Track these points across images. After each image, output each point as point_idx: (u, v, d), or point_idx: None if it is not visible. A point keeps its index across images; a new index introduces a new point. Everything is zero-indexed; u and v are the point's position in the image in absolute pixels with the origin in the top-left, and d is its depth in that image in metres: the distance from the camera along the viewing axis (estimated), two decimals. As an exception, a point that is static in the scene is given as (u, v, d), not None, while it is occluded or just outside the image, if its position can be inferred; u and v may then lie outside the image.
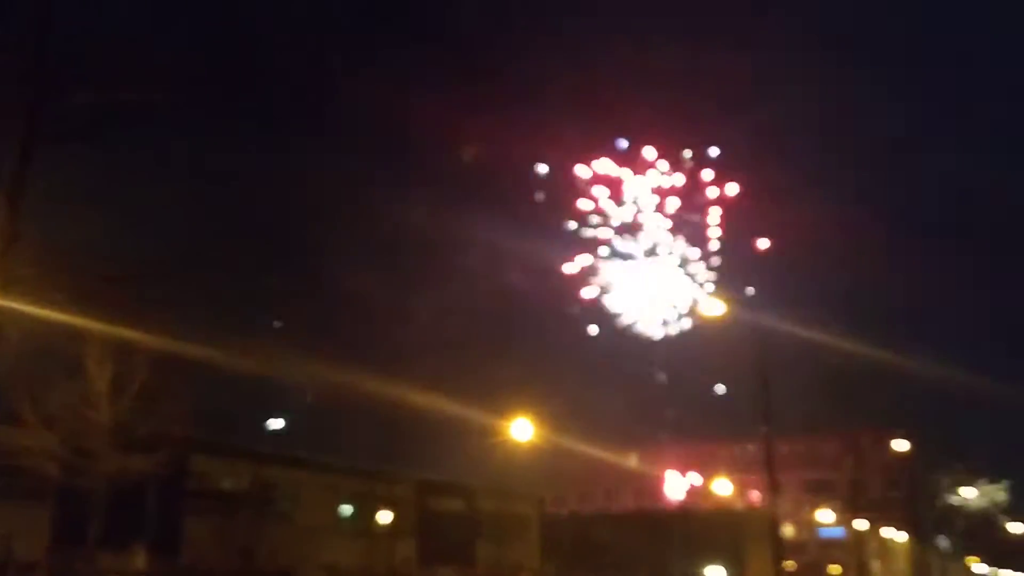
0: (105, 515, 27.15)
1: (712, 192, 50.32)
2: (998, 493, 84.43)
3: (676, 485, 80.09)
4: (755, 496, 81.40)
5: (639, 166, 51.06)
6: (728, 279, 51.26)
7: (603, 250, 51.55)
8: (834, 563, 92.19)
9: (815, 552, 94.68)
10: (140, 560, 29.89)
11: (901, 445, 57.79)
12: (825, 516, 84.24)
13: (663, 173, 50.70)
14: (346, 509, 42.19)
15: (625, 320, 52.10)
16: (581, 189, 51.57)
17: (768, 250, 49.26)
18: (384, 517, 40.40)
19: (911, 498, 64.13)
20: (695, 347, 53.45)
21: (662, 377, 70.11)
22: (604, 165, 51.27)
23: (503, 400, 44.13)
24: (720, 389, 68.32)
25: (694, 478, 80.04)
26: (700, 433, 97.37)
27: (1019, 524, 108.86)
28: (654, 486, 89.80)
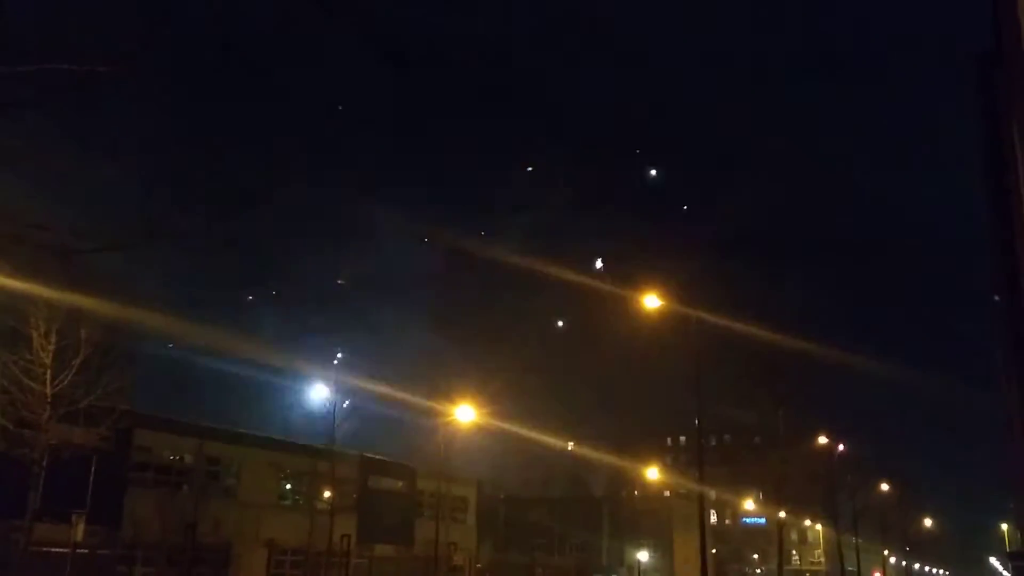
0: (45, 486, 27.03)
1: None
2: None
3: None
4: (683, 485, 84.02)
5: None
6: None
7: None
8: (756, 551, 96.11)
9: (738, 539, 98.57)
10: (79, 532, 29.68)
11: (823, 441, 60.41)
12: (749, 506, 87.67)
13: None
14: (288, 485, 42.49)
15: None
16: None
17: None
18: (326, 494, 40.75)
19: (830, 491, 67.12)
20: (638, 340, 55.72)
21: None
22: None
23: (448, 385, 44.97)
24: None
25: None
26: (634, 422, 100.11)
27: (930, 520, 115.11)
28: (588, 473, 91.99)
